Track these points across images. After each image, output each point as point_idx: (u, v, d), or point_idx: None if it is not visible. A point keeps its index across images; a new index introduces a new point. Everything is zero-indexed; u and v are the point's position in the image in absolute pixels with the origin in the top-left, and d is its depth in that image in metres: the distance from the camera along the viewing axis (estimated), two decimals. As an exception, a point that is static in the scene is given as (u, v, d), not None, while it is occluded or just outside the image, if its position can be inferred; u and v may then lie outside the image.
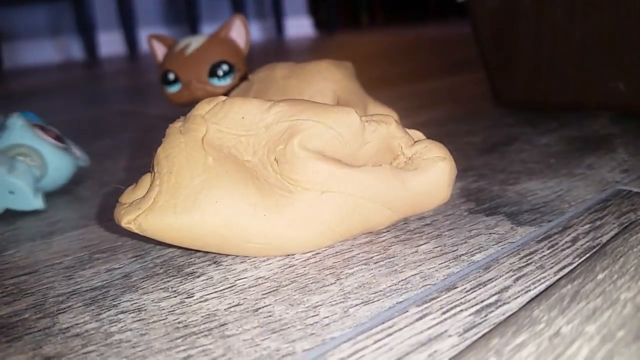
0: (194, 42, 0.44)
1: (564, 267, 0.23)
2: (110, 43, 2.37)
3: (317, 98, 0.33)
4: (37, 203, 0.34)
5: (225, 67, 0.43)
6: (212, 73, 0.43)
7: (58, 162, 0.37)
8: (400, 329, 0.19)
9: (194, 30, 2.34)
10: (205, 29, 2.49)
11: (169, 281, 0.24)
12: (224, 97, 0.26)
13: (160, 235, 0.24)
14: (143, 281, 0.24)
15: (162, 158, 0.25)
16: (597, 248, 0.24)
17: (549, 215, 0.28)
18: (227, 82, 0.43)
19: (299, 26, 2.79)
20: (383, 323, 0.20)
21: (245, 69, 0.44)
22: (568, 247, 0.25)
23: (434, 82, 0.81)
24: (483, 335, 0.18)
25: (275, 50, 1.82)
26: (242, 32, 0.46)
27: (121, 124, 0.67)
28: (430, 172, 0.27)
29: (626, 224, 0.26)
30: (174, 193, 0.24)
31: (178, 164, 0.24)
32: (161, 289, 0.23)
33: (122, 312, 0.22)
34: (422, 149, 0.27)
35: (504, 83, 0.54)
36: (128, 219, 0.24)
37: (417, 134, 0.29)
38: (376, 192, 0.26)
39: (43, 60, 2.27)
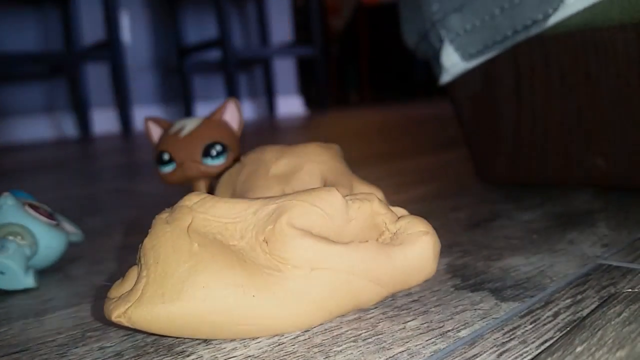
0: (189, 125, 0.46)
1: (545, 342, 0.23)
2: (104, 121, 2.41)
3: (306, 179, 0.34)
4: (29, 282, 0.35)
5: (218, 148, 0.45)
6: (206, 153, 0.44)
7: (49, 240, 0.38)
8: (387, 405, 0.19)
9: (187, 108, 2.40)
10: (199, 107, 2.55)
11: (160, 360, 0.24)
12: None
13: (150, 327, 0.24)
14: (134, 360, 0.25)
15: (148, 249, 0.26)
16: (577, 322, 0.25)
17: (532, 290, 0.29)
18: (220, 161, 0.45)
19: (290, 105, 2.86)
20: (370, 399, 0.20)
21: (238, 149, 0.46)
22: (550, 322, 0.25)
23: (421, 159, 0.84)
24: (467, 410, 0.18)
25: (267, 128, 1.86)
26: (235, 115, 0.48)
27: (114, 202, 0.68)
28: (414, 246, 0.28)
29: (605, 298, 0.27)
30: (161, 282, 0.24)
31: (164, 253, 0.25)
32: (152, 367, 0.24)
33: (113, 392, 0.22)
34: (406, 225, 0.29)
35: (487, 161, 0.56)
36: (118, 313, 0.24)
37: (400, 211, 0.30)
38: (365, 268, 0.26)
39: (37, 137, 2.29)
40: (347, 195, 0.29)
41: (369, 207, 0.29)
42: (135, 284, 0.25)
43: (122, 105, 2.23)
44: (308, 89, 3.02)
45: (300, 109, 2.88)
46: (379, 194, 0.34)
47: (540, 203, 0.48)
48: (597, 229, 0.39)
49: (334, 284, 0.26)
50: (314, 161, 0.35)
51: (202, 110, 2.63)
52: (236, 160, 0.45)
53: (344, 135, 1.36)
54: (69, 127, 2.34)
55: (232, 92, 2.42)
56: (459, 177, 0.65)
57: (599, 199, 0.48)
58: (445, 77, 0.53)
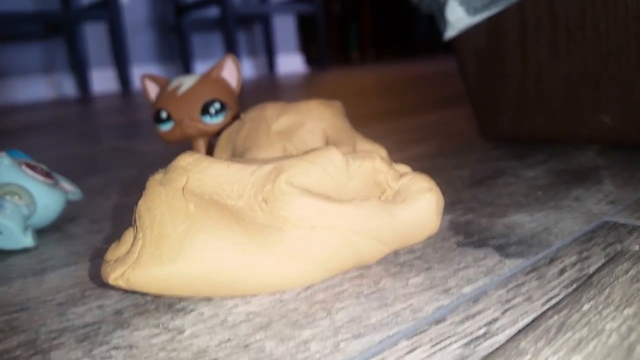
0: (187, 82, 0.45)
1: (551, 299, 0.23)
2: (103, 80, 2.39)
3: (307, 137, 0.34)
4: (27, 241, 0.34)
5: (217, 106, 0.44)
6: (204, 111, 0.44)
7: (47, 199, 0.38)
8: (390, 363, 0.19)
9: (186, 67, 2.37)
10: (197, 66, 2.52)
11: (159, 317, 0.24)
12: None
13: (149, 288, 0.24)
14: (134, 317, 0.24)
15: (143, 211, 0.25)
16: (583, 279, 0.25)
17: (537, 247, 0.29)
18: (219, 120, 0.44)
19: (291, 63, 2.83)
20: (373, 357, 0.20)
21: (237, 107, 0.45)
22: (555, 279, 0.25)
23: (423, 117, 0.83)
24: (471, 367, 0.18)
25: (267, 87, 1.84)
26: (233, 72, 0.47)
27: (113, 161, 0.68)
28: (417, 203, 0.27)
29: (612, 255, 0.27)
30: (157, 244, 0.24)
31: (160, 214, 0.25)
32: (152, 325, 0.24)
33: (114, 349, 0.22)
34: (408, 182, 0.28)
35: (491, 118, 0.55)
36: (115, 276, 0.24)
37: (402, 168, 0.30)
38: (366, 226, 0.26)
39: (36, 97, 2.28)
40: (348, 153, 0.29)
41: (371, 164, 0.28)
42: (131, 246, 0.24)
43: (121, 64, 2.20)
44: (308, 47, 2.98)
45: (301, 67, 2.85)
46: (382, 152, 0.33)
47: (544, 160, 0.48)
48: (603, 186, 0.39)
49: (335, 242, 0.26)
50: (316, 118, 0.34)
51: (201, 68, 2.60)
52: (235, 118, 0.44)
53: (344, 93, 1.34)
54: (67, 87, 2.32)
55: (231, 50, 2.39)
56: (461, 134, 0.64)
57: (604, 156, 0.47)
58: (450, 32, 0.52)
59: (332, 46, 3.06)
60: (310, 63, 2.94)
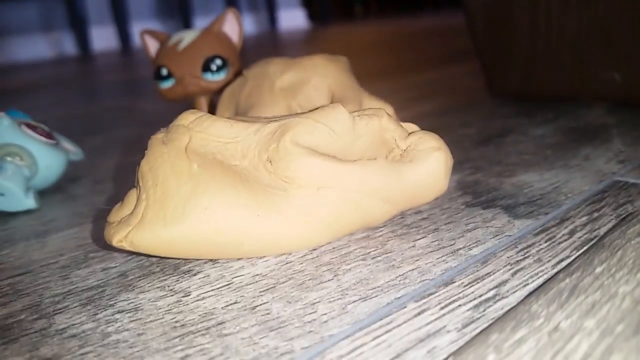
0: (187, 37, 0.44)
1: (561, 261, 0.23)
2: (102, 38, 2.35)
3: (312, 93, 0.33)
4: (30, 203, 0.34)
5: (218, 62, 0.43)
6: (206, 68, 0.42)
7: (49, 160, 0.37)
8: (399, 325, 0.19)
9: (186, 23, 2.33)
10: (198, 22, 2.47)
11: (165, 280, 0.24)
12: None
13: (153, 249, 0.24)
14: (139, 280, 0.24)
15: (146, 171, 0.24)
16: (594, 241, 0.24)
17: (546, 207, 0.28)
18: (220, 76, 0.43)
19: (292, 18, 2.78)
20: (381, 319, 0.19)
21: (239, 64, 0.44)
22: (565, 240, 0.25)
23: (429, 73, 0.81)
24: (482, 331, 0.18)
25: (269, 43, 1.81)
26: (235, 27, 0.45)
27: (114, 120, 0.67)
28: (426, 162, 0.26)
29: (624, 216, 0.26)
30: (161, 204, 0.23)
31: (163, 174, 0.24)
32: (158, 287, 0.23)
33: (118, 312, 0.22)
34: (417, 141, 0.27)
35: (499, 74, 0.54)
36: (119, 238, 0.23)
37: (410, 126, 0.29)
38: (373, 186, 0.25)
39: (35, 56, 2.25)
40: (354, 111, 0.28)
41: (378, 123, 0.27)
42: (135, 208, 0.24)
43: (120, 21, 2.17)
44: (310, 1, 2.92)
45: (303, 23, 2.80)
46: (389, 109, 0.32)
47: (553, 118, 0.47)
48: (613, 144, 0.38)
49: (341, 203, 0.25)
50: (321, 75, 0.33)
51: (201, 24, 2.56)
52: (238, 74, 0.43)
53: (347, 49, 1.32)
54: (67, 45, 2.28)
55: (232, 4, 2.34)
56: (468, 91, 0.63)
57: (613, 115, 0.46)
58: (458, -15, 0.50)
59: (334, 0, 3.00)
60: (312, 18, 2.88)
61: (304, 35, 2.08)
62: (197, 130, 0.25)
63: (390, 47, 1.34)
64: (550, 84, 0.50)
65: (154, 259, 0.26)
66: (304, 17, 2.83)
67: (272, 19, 2.62)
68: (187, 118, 0.26)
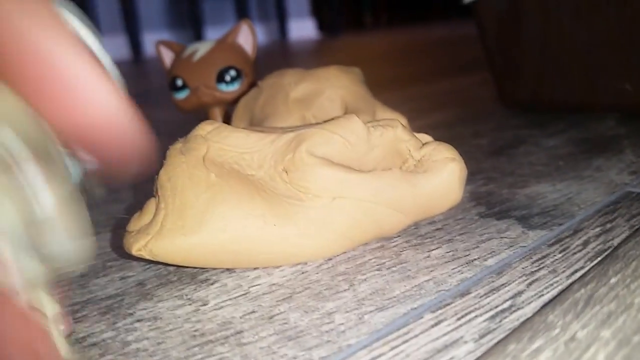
0: (202, 48, 0.44)
1: (576, 271, 0.23)
2: (114, 47, 2.37)
3: (326, 104, 0.33)
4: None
5: (232, 73, 0.43)
6: (220, 78, 0.43)
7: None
8: (416, 336, 0.19)
9: (197, 33, 2.35)
10: (209, 32, 2.49)
11: (183, 289, 0.24)
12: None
13: (172, 258, 0.24)
14: (157, 289, 0.24)
15: (164, 181, 0.25)
16: (608, 251, 0.24)
17: (560, 218, 0.29)
18: (235, 87, 0.44)
19: (303, 28, 2.79)
20: (398, 329, 0.20)
21: (253, 75, 0.45)
22: (579, 251, 0.25)
23: (440, 83, 0.81)
24: (499, 341, 0.18)
25: (279, 53, 1.83)
26: (249, 38, 0.46)
27: (128, 130, 0.67)
28: (440, 173, 0.27)
29: (637, 227, 0.26)
30: (180, 214, 0.24)
31: (181, 184, 0.24)
32: (176, 296, 0.24)
33: (137, 321, 0.22)
34: (431, 151, 0.28)
35: (510, 84, 0.54)
36: (138, 247, 0.24)
37: (424, 137, 0.29)
38: (388, 196, 0.26)
39: (47, 65, 2.27)
40: (369, 122, 0.28)
41: (392, 133, 0.28)
42: (154, 217, 0.24)
43: (132, 30, 2.19)
44: (321, 11, 2.93)
45: (313, 33, 2.81)
46: (403, 120, 0.33)
47: (564, 129, 0.47)
48: (624, 155, 0.38)
49: (356, 213, 0.25)
50: (335, 86, 0.34)
51: (212, 34, 2.58)
52: (252, 85, 0.44)
53: (358, 59, 1.33)
54: (78, 54, 2.31)
55: (243, 15, 2.36)
56: (479, 101, 0.63)
57: (624, 126, 0.46)
58: (469, -4, 0.51)
59: (344, 9, 3.01)
60: (322, 28, 2.90)
61: (314, 45, 2.09)
62: (215, 140, 0.26)
63: (400, 57, 1.34)
64: (561, 95, 0.51)
65: (171, 268, 0.26)
66: (314, 27, 2.85)
67: (283, 29, 2.64)
68: (205, 128, 0.26)
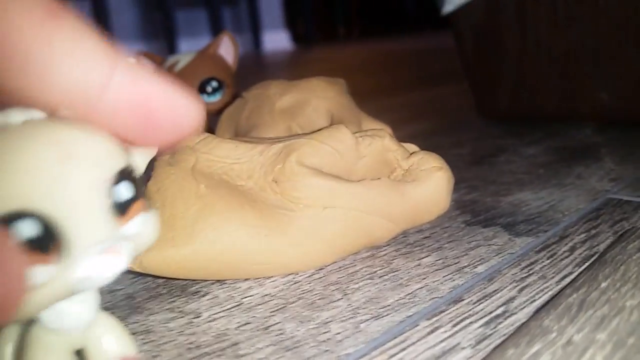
0: (183, 60, 0.44)
1: (565, 277, 0.23)
2: (85, 59, 2.34)
3: (312, 115, 0.33)
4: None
5: (214, 84, 0.43)
6: (202, 90, 0.43)
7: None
8: (414, 343, 0.19)
9: (171, 45, 2.33)
10: (182, 44, 2.48)
11: (173, 301, 0.24)
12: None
13: (163, 270, 0.24)
14: (147, 302, 0.24)
15: (153, 192, 0.25)
16: (595, 257, 0.25)
17: (545, 225, 0.29)
18: (216, 98, 0.44)
19: (277, 40, 2.80)
20: (395, 338, 0.20)
21: (234, 86, 0.45)
22: (567, 257, 0.25)
23: (415, 94, 0.82)
24: (497, 346, 0.18)
25: (254, 65, 1.83)
26: (230, 49, 0.46)
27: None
28: (429, 182, 0.27)
29: (621, 232, 0.27)
30: (170, 226, 0.24)
31: (171, 196, 0.24)
32: (167, 309, 0.23)
33: (131, 334, 0.21)
34: (419, 161, 0.28)
35: (488, 94, 0.55)
36: None
37: (411, 147, 0.30)
38: (377, 206, 0.26)
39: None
40: (356, 132, 0.29)
41: (380, 143, 0.28)
42: None
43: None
44: (294, 23, 2.95)
45: (287, 44, 2.82)
46: (389, 130, 0.33)
47: (543, 138, 0.48)
48: (604, 163, 0.39)
49: (346, 222, 0.25)
50: (320, 97, 0.34)
51: (186, 46, 2.57)
52: (234, 96, 0.44)
53: (333, 71, 1.33)
54: (49, 66, 2.27)
55: (217, 27, 2.35)
56: (456, 112, 0.64)
57: (601, 134, 0.47)
58: (448, 7, 0.51)
59: (318, 21, 3.03)
60: (296, 40, 2.91)
61: (288, 56, 2.10)
62: (203, 151, 0.26)
63: (374, 68, 1.35)
64: (539, 104, 0.52)
65: (160, 281, 0.26)
66: (288, 39, 2.86)
67: (257, 41, 2.64)
68: (193, 139, 0.26)
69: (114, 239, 0.14)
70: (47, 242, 0.13)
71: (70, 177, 0.13)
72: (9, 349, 0.17)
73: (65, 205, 0.13)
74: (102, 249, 0.14)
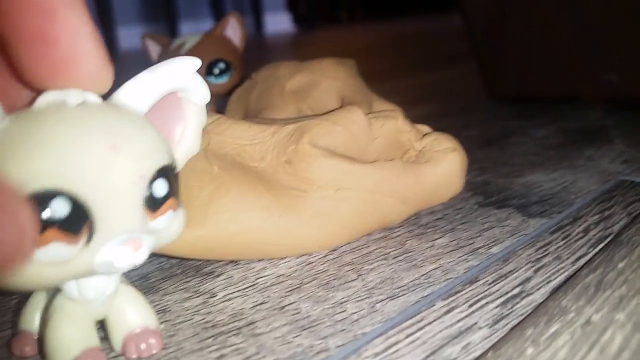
0: (189, 41, 0.44)
1: (580, 257, 0.23)
2: (87, 42, 2.33)
3: (323, 97, 0.33)
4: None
5: (221, 65, 0.43)
6: (209, 71, 0.43)
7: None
8: (430, 323, 0.19)
9: (172, 27, 2.32)
10: (183, 26, 2.46)
11: (188, 281, 0.24)
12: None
13: (177, 251, 0.24)
14: (162, 282, 0.24)
15: None
16: (610, 238, 0.25)
17: (558, 206, 0.29)
18: (223, 80, 0.43)
19: (278, 22, 2.78)
20: (412, 317, 0.20)
21: (241, 67, 0.44)
22: (581, 238, 0.25)
23: (422, 76, 0.82)
24: (516, 326, 0.18)
25: (256, 47, 1.81)
26: (237, 30, 0.46)
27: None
28: (442, 163, 0.27)
29: (635, 214, 0.27)
30: (184, 207, 0.24)
31: (184, 177, 0.24)
32: (182, 289, 0.23)
33: (146, 314, 0.22)
34: (432, 142, 0.28)
35: (497, 76, 0.55)
36: None
37: (424, 128, 0.29)
38: (390, 187, 0.26)
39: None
40: (369, 113, 0.28)
41: (394, 124, 0.28)
42: None
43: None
44: (296, 5, 2.92)
45: (289, 27, 2.80)
46: (400, 112, 0.33)
47: (552, 119, 0.47)
48: (614, 145, 0.39)
49: (359, 203, 0.25)
50: (331, 78, 0.33)
51: (186, 28, 2.55)
52: (241, 78, 0.43)
53: (336, 53, 1.32)
54: (50, 49, 2.26)
55: (218, 9, 2.34)
56: (464, 94, 0.63)
57: (611, 116, 0.47)
58: (457, -12, 0.51)
59: (320, 3, 3.01)
60: (297, 22, 2.89)
61: (290, 39, 2.08)
62: (215, 132, 0.26)
63: (379, 51, 1.34)
64: (547, 86, 0.51)
65: (174, 261, 0.26)
66: (290, 21, 2.84)
67: (258, 23, 2.62)
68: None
69: (140, 231, 0.14)
70: (77, 224, 0.13)
71: (114, 168, 0.13)
72: (37, 315, 0.17)
73: (103, 195, 0.13)
74: (125, 239, 0.14)
